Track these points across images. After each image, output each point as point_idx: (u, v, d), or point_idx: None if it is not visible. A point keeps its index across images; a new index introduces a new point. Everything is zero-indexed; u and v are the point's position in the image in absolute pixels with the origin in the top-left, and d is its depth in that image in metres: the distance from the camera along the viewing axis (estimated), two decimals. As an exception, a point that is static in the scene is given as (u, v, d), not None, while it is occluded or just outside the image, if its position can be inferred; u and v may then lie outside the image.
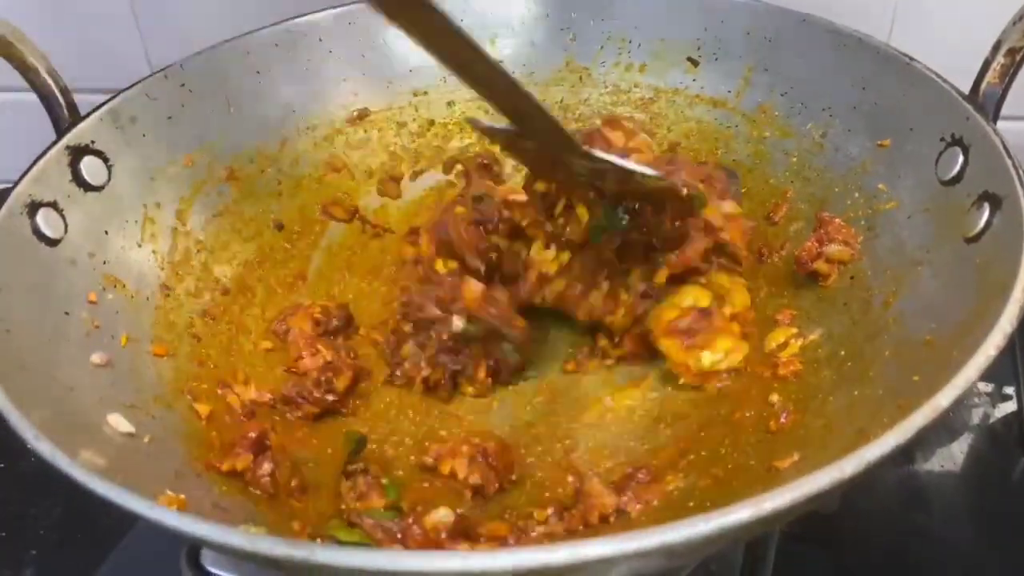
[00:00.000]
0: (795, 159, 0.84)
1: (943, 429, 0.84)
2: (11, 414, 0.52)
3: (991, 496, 0.80)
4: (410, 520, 0.58)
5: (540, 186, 0.74)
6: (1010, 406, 0.86)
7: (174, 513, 0.46)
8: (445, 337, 0.72)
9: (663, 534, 0.42)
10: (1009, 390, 0.87)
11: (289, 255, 0.86)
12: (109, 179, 0.75)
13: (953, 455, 0.82)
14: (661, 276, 0.72)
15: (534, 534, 0.60)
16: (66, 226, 0.70)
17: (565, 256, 0.74)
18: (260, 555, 0.43)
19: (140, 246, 0.76)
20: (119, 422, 0.61)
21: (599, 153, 0.66)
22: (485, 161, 0.89)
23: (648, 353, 0.74)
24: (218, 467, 0.63)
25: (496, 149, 0.90)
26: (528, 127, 0.64)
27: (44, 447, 0.50)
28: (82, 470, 0.48)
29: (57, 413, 0.57)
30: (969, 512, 0.79)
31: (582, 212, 0.71)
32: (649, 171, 0.67)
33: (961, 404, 0.85)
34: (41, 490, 0.82)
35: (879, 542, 0.75)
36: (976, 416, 0.86)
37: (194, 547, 0.67)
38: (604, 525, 0.61)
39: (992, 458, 0.82)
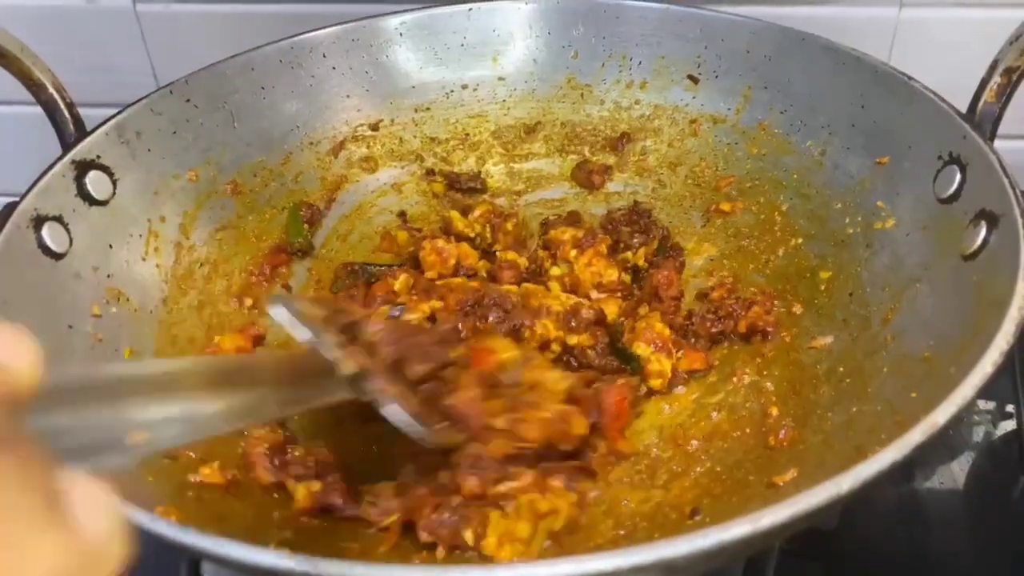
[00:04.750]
0: (795, 176, 0.85)
1: (943, 446, 0.84)
2: (15, 426, 0.52)
3: (991, 514, 0.79)
4: None
5: None
6: (1011, 424, 0.86)
7: (174, 526, 0.46)
8: None
9: (662, 549, 0.42)
10: (1011, 408, 0.87)
11: (293, 271, 0.87)
12: (114, 193, 0.76)
13: (953, 473, 0.82)
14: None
15: None
16: (71, 240, 0.70)
17: None
18: (262, 568, 0.43)
19: (144, 260, 0.77)
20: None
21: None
22: None
23: None
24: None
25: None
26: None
27: (47, 459, 0.50)
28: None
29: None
30: (969, 530, 0.78)
31: None
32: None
33: (961, 422, 0.85)
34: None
35: (879, 559, 0.75)
36: (977, 434, 0.85)
37: (195, 558, 0.67)
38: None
39: (993, 476, 0.82)
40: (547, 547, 0.60)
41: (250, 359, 0.55)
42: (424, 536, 0.60)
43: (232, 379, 0.49)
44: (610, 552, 0.42)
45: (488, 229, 0.89)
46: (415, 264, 0.86)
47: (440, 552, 0.60)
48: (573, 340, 0.75)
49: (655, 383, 0.73)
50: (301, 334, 0.60)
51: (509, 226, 0.89)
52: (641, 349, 0.74)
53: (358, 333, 0.64)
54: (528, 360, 0.70)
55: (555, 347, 0.76)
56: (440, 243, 0.85)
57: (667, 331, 0.76)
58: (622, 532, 0.61)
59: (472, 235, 0.89)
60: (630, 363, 0.74)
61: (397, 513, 0.62)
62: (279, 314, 0.60)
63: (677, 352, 0.76)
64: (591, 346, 0.75)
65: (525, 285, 0.82)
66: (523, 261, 0.86)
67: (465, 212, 0.91)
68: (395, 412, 0.61)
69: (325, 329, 0.61)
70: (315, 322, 0.61)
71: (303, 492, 0.63)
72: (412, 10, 0.94)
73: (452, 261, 0.84)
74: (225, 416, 0.47)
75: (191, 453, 0.64)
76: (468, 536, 0.59)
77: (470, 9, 0.95)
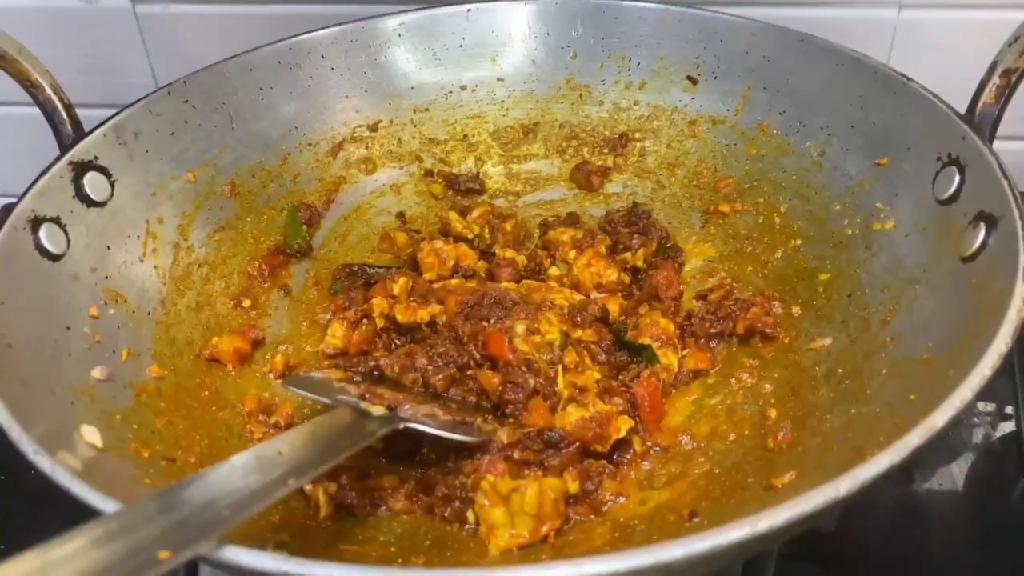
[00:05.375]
0: (794, 177, 0.85)
1: (943, 448, 0.84)
2: (12, 429, 0.52)
3: (991, 516, 0.79)
4: None
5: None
6: (1010, 426, 0.86)
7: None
8: None
9: (659, 552, 0.42)
10: (1010, 409, 0.87)
11: (291, 272, 0.87)
12: (112, 194, 0.76)
13: (953, 474, 0.81)
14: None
15: None
16: (68, 241, 0.70)
17: None
18: (260, 571, 0.43)
19: (142, 261, 0.77)
20: (119, 437, 0.61)
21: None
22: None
23: None
24: None
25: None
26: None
27: (44, 462, 0.50)
28: (81, 485, 0.48)
29: (57, 427, 0.57)
30: (968, 532, 0.78)
31: None
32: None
33: (960, 423, 0.85)
34: (42, 503, 0.82)
35: (878, 561, 0.75)
36: (977, 436, 0.85)
37: (192, 562, 0.67)
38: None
39: (992, 478, 0.82)
40: (546, 544, 0.61)
41: (290, 434, 0.59)
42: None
43: (279, 456, 0.54)
44: (607, 555, 0.42)
45: (487, 230, 0.89)
46: (413, 265, 0.86)
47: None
48: (577, 334, 0.75)
49: (662, 376, 0.73)
50: (323, 402, 0.67)
51: (508, 227, 0.89)
52: (648, 343, 0.75)
53: (383, 371, 0.72)
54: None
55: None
56: (439, 244, 0.85)
57: (671, 327, 0.76)
58: (619, 534, 0.60)
59: (471, 236, 0.89)
60: (642, 354, 0.75)
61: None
62: (297, 392, 0.69)
63: (683, 349, 0.76)
64: (595, 342, 0.75)
65: (526, 281, 0.82)
66: (522, 259, 0.86)
67: (464, 213, 0.91)
68: (430, 428, 0.65)
69: (344, 388, 0.69)
70: (332, 386, 0.69)
71: (324, 498, 0.63)
72: (411, 11, 0.94)
73: (451, 262, 0.84)
74: (278, 485, 0.52)
75: (191, 459, 0.64)
76: (471, 518, 0.63)
77: (469, 10, 0.95)
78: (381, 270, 0.86)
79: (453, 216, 0.90)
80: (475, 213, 0.90)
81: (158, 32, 1.10)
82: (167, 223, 0.80)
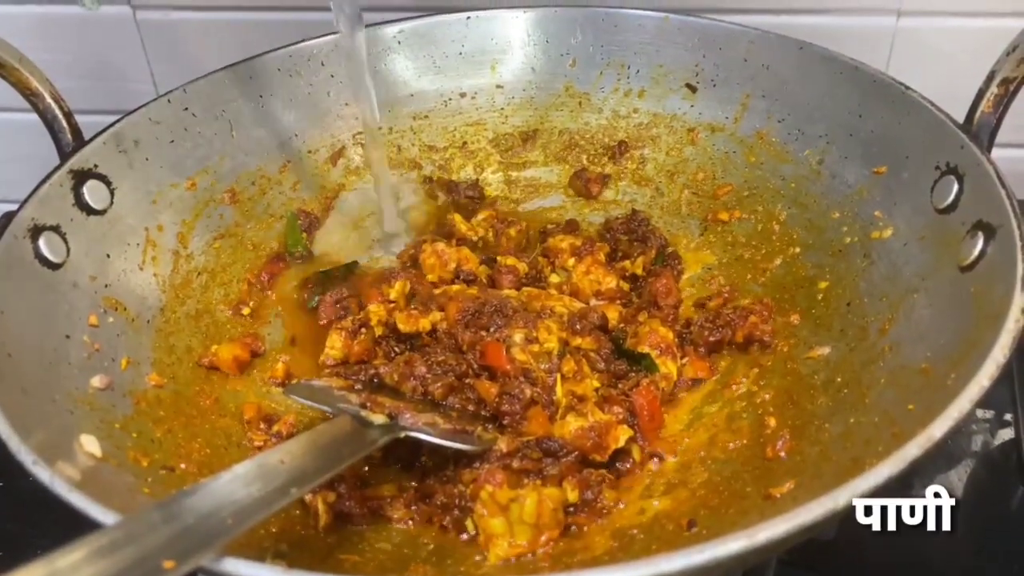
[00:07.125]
0: (792, 185, 0.85)
1: (942, 455, 0.84)
2: (11, 439, 0.52)
3: (990, 523, 0.79)
4: None
5: None
6: (1009, 433, 0.86)
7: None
8: None
9: (659, 563, 0.42)
10: (1009, 417, 0.87)
11: (291, 278, 0.87)
12: (111, 203, 0.76)
13: (952, 481, 0.82)
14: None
15: None
16: (68, 250, 0.70)
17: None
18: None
19: (141, 269, 0.77)
20: (118, 446, 0.61)
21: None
22: None
23: None
24: None
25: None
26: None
27: (43, 473, 0.50)
28: (80, 496, 0.48)
29: (57, 437, 0.57)
30: (967, 540, 0.78)
31: None
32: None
33: (959, 431, 0.85)
34: (40, 510, 0.82)
35: (877, 569, 0.75)
36: (975, 443, 0.85)
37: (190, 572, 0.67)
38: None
39: (991, 485, 0.82)
40: (545, 554, 0.61)
41: (291, 443, 0.59)
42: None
43: (280, 465, 0.55)
44: (607, 566, 0.42)
45: (491, 233, 0.89)
46: (416, 268, 0.86)
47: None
48: (577, 342, 0.75)
49: (661, 385, 0.73)
50: (324, 410, 0.67)
51: (512, 232, 0.90)
52: (647, 352, 0.75)
53: (382, 379, 0.72)
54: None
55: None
56: (440, 246, 0.85)
57: (671, 335, 0.76)
58: (618, 544, 0.60)
59: (475, 239, 0.89)
60: (641, 363, 0.75)
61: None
62: (298, 400, 0.69)
63: (682, 358, 0.76)
64: (595, 350, 0.75)
65: (527, 289, 0.82)
66: (523, 266, 0.86)
67: (468, 216, 0.91)
68: (431, 437, 0.65)
69: (345, 397, 0.69)
70: (333, 394, 0.69)
71: (323, 507, 0.63)
72: (410, 18, 0.94)
73: (452, 265, 0.84)
74: (281, 494, 0.52)
75: (182, 464, 0.64)
76: (470, 527, 0.63)
77: (468, 17, 0.95)
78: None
79: (458, 218, 0.90)
80: (481, 216, 0.91)
81: (159, 39, 1.10)
82: (167, 231, 0.80)
